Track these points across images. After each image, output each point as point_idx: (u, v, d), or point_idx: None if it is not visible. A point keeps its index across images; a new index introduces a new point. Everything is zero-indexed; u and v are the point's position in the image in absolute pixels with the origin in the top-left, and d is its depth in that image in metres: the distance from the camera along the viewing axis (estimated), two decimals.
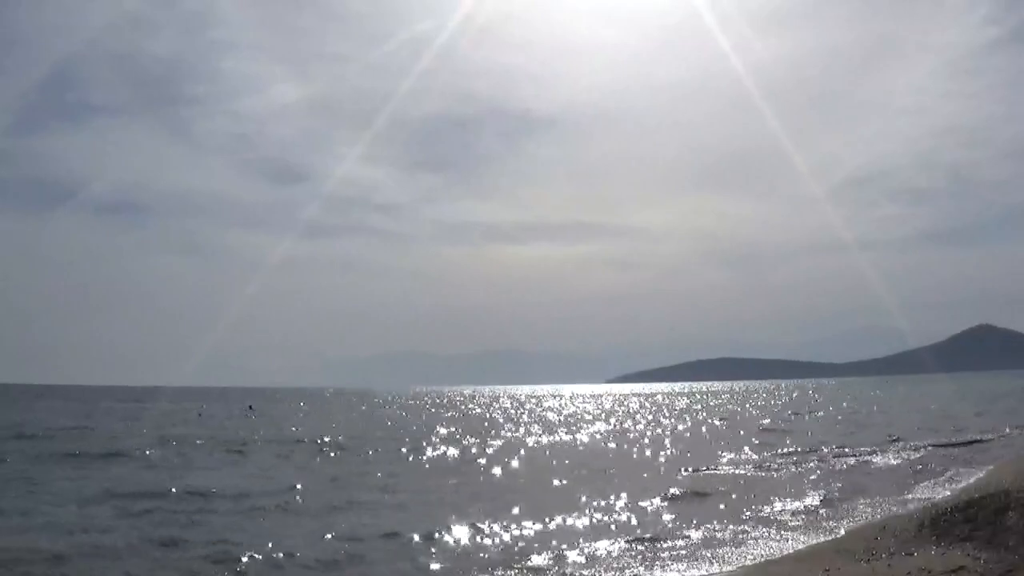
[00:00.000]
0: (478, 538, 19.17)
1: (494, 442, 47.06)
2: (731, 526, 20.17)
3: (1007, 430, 45.63)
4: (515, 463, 35.78)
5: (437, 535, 19.24)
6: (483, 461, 36.74)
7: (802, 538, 18.51)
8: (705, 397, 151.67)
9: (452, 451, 41.74)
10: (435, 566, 16.80)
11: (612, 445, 45.62)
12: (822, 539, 18.30)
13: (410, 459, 38.30)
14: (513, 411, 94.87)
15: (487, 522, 20.49)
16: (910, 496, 23.60)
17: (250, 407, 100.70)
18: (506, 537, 19.22)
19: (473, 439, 49.44)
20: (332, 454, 40.76)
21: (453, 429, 59.46)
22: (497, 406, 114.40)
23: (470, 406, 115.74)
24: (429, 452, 41.39)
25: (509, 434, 54.43)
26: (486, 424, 67.23)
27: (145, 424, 61.93)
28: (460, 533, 19.46)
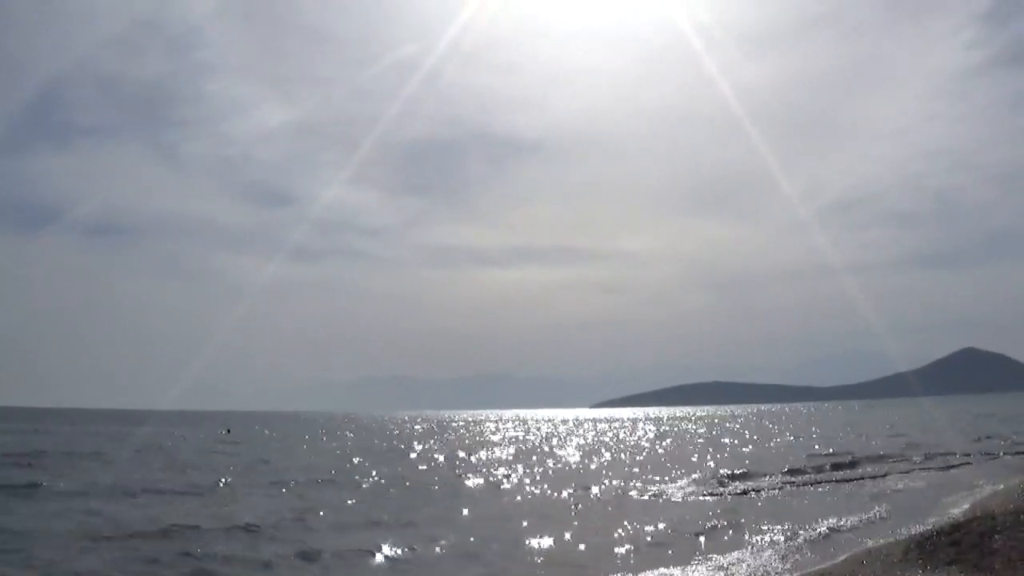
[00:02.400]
0: None
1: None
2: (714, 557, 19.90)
3: (998, 453, 46.00)
4: None
5: None
6: None
7: (786, 566, 18.29)
8: (681, 421, 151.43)
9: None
10: None
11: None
12: (808, 568, 18.08)
13: None
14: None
15: None
16: (896, 519, 23.45)
17: (228, 431, 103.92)
18: None
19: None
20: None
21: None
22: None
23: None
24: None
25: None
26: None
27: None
28: None
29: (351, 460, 51.73)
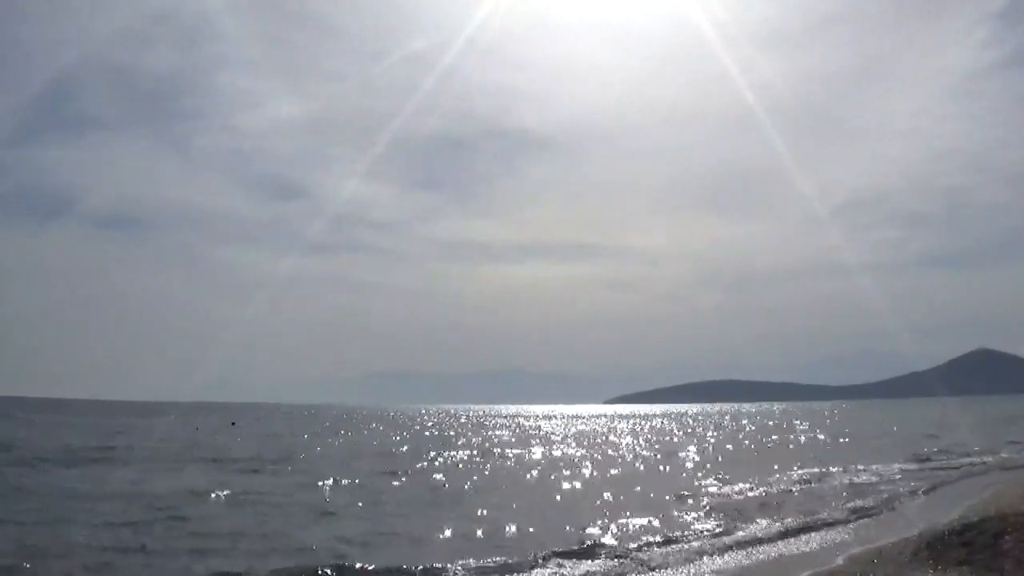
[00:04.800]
0: None
1: None
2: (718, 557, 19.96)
3: (1005, 454, 45.90)
4: None
5: None
6: None
7: (798, 564, 18.34)
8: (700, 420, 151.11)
9: None
10: None
11: None
12: (818, 566, 18.11)
13: None
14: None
15: None
16: (907, 519, 23.43)
17: (232, 423, 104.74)
18: None
19: None
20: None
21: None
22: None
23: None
24: None
25: None
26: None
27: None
28: None
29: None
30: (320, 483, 34.36)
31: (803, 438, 71.19)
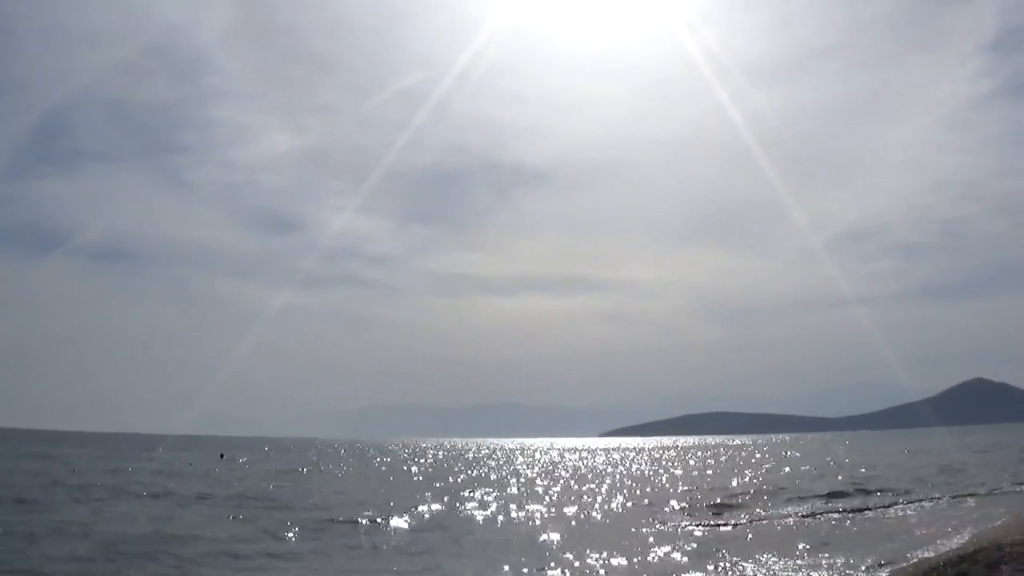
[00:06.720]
0: None
1: None
2: None
3: (1004, 485, 45.86)
4: None
5: None
6: None
7: None
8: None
9: None
10: None
11: None
12: None
13: None
14: None
15: None
16: (903, 552, 23.56)
17: (221, 455, 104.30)
18: None
19: None
20: None
21: None
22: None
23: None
24: None
25: None
26: None
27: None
28: None
29: None
30: None
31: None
